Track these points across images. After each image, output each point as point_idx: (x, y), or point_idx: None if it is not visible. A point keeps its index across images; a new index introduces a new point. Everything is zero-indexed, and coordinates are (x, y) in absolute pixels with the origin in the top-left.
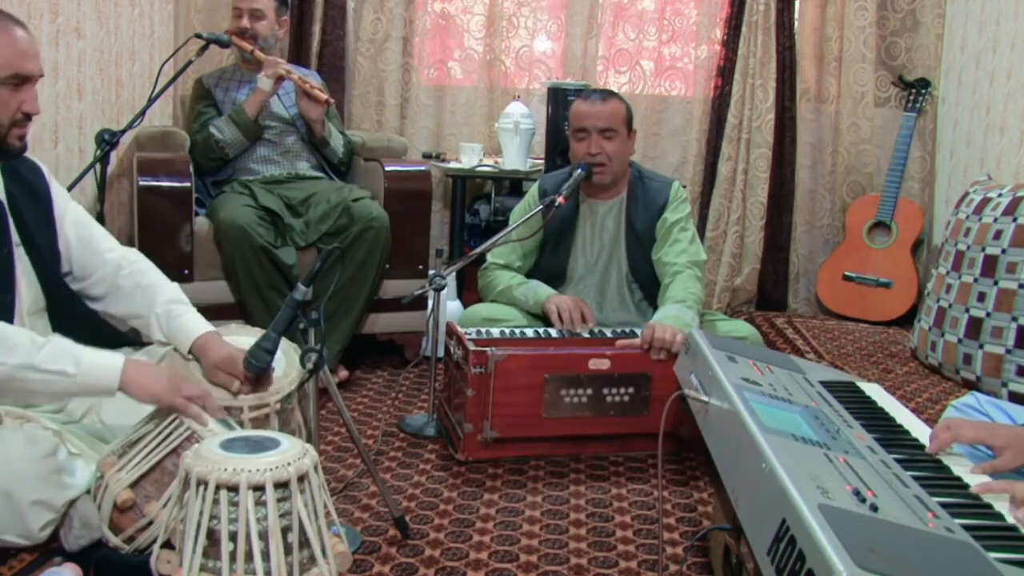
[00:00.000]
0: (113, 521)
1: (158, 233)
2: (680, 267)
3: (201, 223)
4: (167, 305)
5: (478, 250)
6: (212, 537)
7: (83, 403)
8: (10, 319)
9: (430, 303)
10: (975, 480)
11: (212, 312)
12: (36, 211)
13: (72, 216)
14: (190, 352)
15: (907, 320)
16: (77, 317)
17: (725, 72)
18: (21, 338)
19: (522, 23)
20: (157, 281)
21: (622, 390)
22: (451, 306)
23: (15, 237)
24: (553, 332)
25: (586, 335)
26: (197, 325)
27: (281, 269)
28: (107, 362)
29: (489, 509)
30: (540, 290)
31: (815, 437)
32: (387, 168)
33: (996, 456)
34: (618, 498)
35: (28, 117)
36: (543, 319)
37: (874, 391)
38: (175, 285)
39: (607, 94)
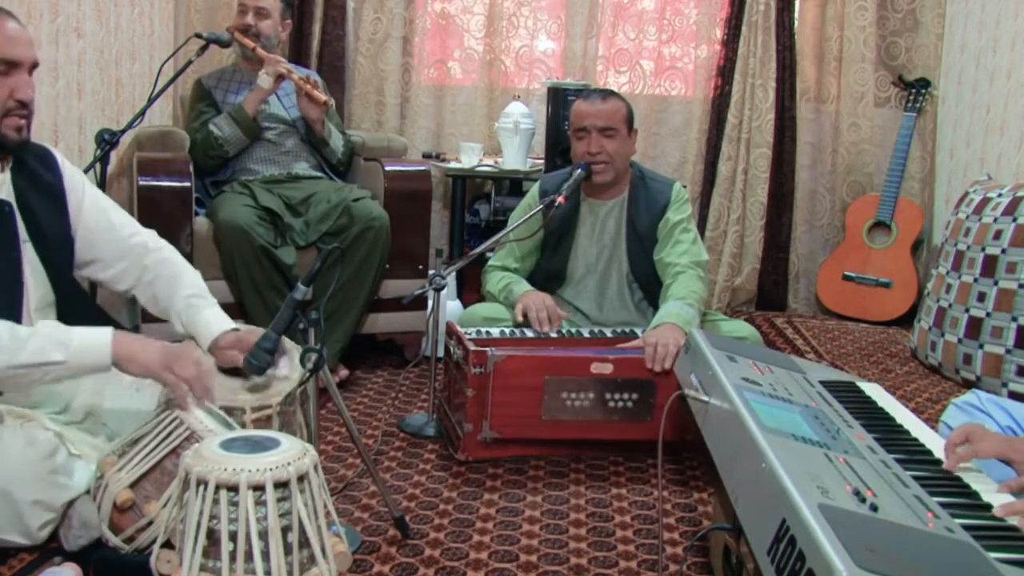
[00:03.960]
0: (113, 521)
1: (158, 233)
2: (682, 267)
3: (201, 223)
4: (188, 299)
5: (478, 250)
6: (212, 537)
7: (85, 405)
8: (18, 316)
9: (430, 303)
10: (997, 499)
11: None
12: (46, 204)
13: (90, 202)
14: (209, 350)
15: (907, 320)
16: (85, 312)
17: (725, 72)
18: (3, 336)
19: (522, 23)
20: (180, 272)
21: (625, 395)
22: (451, 306)
23: (23, 234)
24: (552, 333)
25: (586, 333)
26: (215, 323)
27: (281, 269)
28: (96, 340)
29: (489, 509)
30: (516, 289)
31: (815, 437)
32: (387, 168)
33: (1018, 472)
34: (618, 498)
35: (23, 105)
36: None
37: (874, 391)
38: (197, 274)
39: (607, 93)
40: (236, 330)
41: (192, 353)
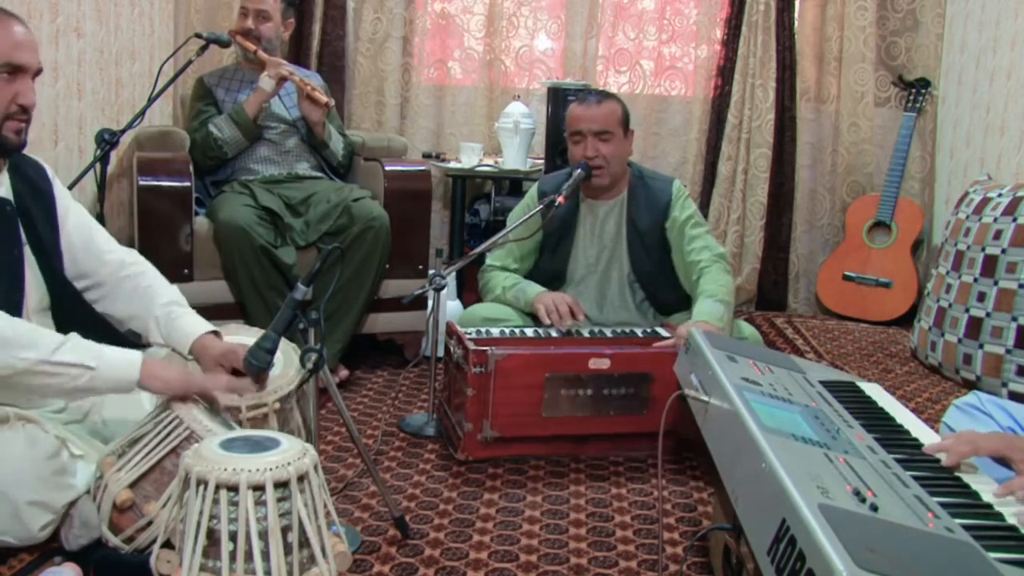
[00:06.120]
0: (113, 521)
1: (158, 233)
2: (707, 262)
3: (201, 223)
4: (166, 307)
5: (478, 250)
6: (212, 537)
7: (84, 405)
8: (19, 316)
9: (430, 303)
10: (997, 501)
11: (212, 312)
12: (41, 210)
13: (74, 217)
14: (189, 353)
15: (907, 320)
16: (80, 317)
17: (725, 72)
18: (42, 334)
19: (522, 23)
20: (156, 283)
21: (622, 389)
22: (451, 306)
23: (23, 236)
24: (553, 332)
25: (586, 333)
26: (196, 326)
27: (281, 269)
28: (127, 357)
29: (489, 509)
30: (529, 290)
31: (815, 437)
32: (387, 168)
33: (1016, 471)
34: (618, 498)
35: (24, 111)
36: (536, 319)
37: (874, 391)
38: (174, 288)
39: (602, 96)
40: (215, 332)
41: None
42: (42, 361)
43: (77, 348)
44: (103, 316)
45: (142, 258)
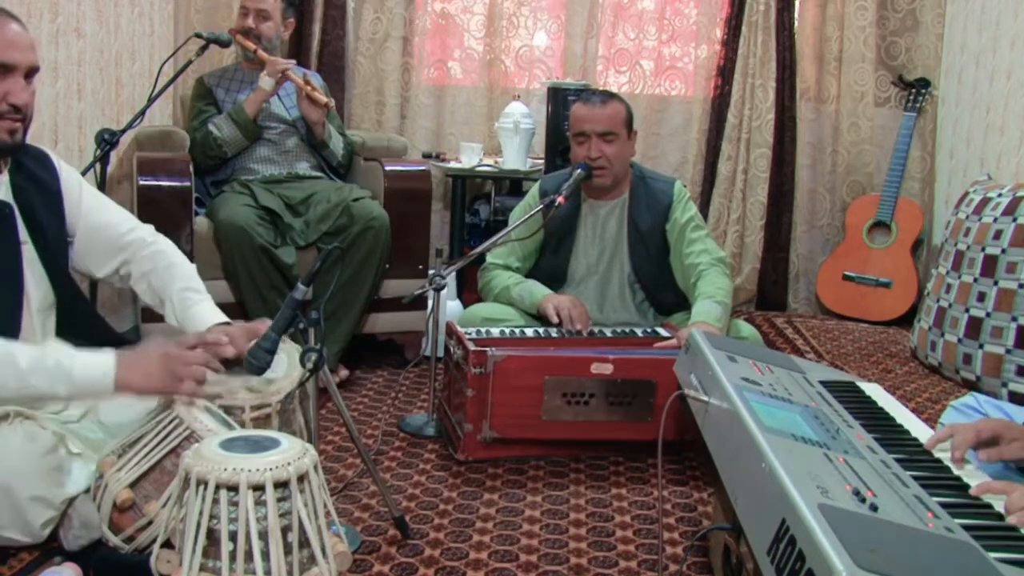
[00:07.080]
0: (113, 521)
1: (158, 232)
2: (705, 265)
3: (201, 223)
4: (182, 292)
5: (478, 250)
6: (212, 537)
7: (82, 405)
8: (18, 318)
9: (430, 303)
10: (995, 497)
11: None
12: (44, 204)
13: (88, 201)
14: None
15: (907, 320)
16: (81, 314)
17: (725, 72)
18: (4, 363)
19: (522, 23)
20: (175, 262)
21: (625, 396)
22: (451, 306)
23: (23, 234)
24: (554, 332)
25: (585, 335)
26: (208, 316)
27: (281, 269)
28: (98, 372)
29: (489, 509)
30: (536, 290)
31: (815, 437)
32: (387, 168)
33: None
34: (618, 498)
35: (17, 110)
36: (540, 319)
37: (874, 391)
38: (192, 268)
39: (606, 96)
40: (227, 323)
41: (184, 348)
42: (13, 393)
43: (46, 374)
44: (105, 314)
45: (161, 236)
